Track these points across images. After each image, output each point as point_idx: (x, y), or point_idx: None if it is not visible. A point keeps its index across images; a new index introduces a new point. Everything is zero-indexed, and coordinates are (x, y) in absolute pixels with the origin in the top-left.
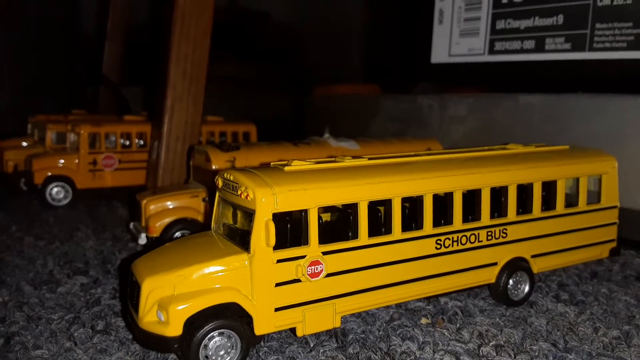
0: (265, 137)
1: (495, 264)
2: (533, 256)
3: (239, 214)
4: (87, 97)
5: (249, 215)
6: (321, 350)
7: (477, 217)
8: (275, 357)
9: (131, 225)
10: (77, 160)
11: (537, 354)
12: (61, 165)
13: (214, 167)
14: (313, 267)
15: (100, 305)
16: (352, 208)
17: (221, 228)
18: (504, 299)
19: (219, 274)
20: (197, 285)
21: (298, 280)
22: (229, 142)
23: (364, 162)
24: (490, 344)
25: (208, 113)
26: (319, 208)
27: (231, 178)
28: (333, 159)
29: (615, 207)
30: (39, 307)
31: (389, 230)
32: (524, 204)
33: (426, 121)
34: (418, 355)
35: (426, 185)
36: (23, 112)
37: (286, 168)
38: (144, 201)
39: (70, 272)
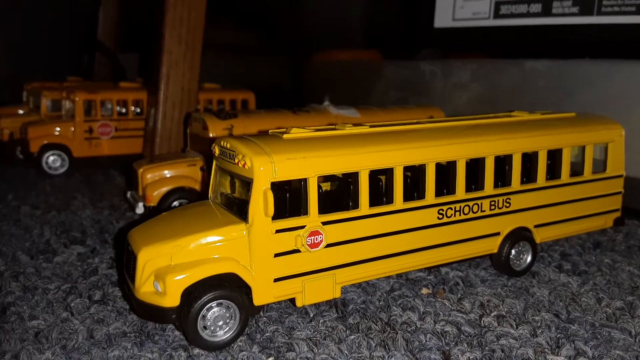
0: (263, 104)
1: (497, 233)
2: (536, 226)
3: (237, 183)
4: (83, 64)
5: (247, 184)
6: (321, 321)
7: (480, 186)
8: (275, 327)
9: (128, 194)
10: (72, 128)
11: (539, 324)
12: (57, 133)
13: (211, 135)
14: (313, 238)
15: (98, 275)
16: (352, 177)
17: (219, 197)
18: (506, 269)
19: (217, 244)
20: (195, 256)
21: (297, 251)
22: (227, 109)
23: (365, 130)
24: (492, 314)
25: (206, 80)
26: (318, 177)
27: (228, 146)
28: (333, 126)
29: (620, 176)
30: (35, 277)
31: (390, 200)
32: (529, 173)
33: (429, 88)
34: (419, 326)
35: (428, 153)
36: (18, 80)
37: (285, 136)
38: (141, 170)
39: (67, 241)
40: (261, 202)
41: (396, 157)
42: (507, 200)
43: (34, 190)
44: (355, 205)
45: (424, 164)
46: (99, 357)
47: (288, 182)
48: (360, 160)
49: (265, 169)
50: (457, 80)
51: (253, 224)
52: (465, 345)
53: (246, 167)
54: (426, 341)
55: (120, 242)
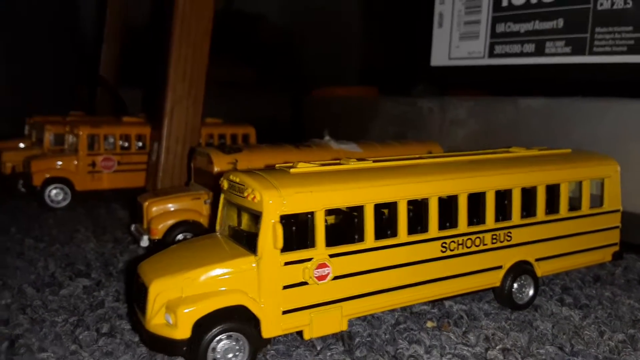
0: (263, 139)
1: (500, 267)
2: (537, 259)
3: (245, 216)
4: (85, 98)
5: (256, 217)
6: (328, 354)
7: (482, 220)
8: None
9: (132, 227)
10: (75, 162)
11: (544, 357)
12: (60, 166)
13: (216, 169)
14: (320, 270)
15: (104, 307)
16: (358, 210)
17: (226, 230)
18: (508, 302)
19: (226, 276)
20: (205, 288)
21: (305, 283)
22: (229, 144)
23: (369, 164)
24: (497, 347)
25: (206, 115)
26: (325, 210)
27: (237, 180)
28: (338, 161)
29: (617, 210)
30: (42, 309)
31: (394, 233)
32: (528, 208)
33: (426, 124)
34: (426, 359)
35: (432, 188)
36: (20, 114)
37: (292, 170)
38: (146, 203)
39: (72, 274)
40: (270, 234)
41: (400, 191)
42: (508, 234)
43: (37, 223)
44: (361, 238)
45: (427, 198)
46: None
47: (296, 215)
48: (366, 194)
49: (275, 202)
50: (454, 117)
51: (262, 257)
52: None
53: (255, 200)
54: None
55: (127, 275)
